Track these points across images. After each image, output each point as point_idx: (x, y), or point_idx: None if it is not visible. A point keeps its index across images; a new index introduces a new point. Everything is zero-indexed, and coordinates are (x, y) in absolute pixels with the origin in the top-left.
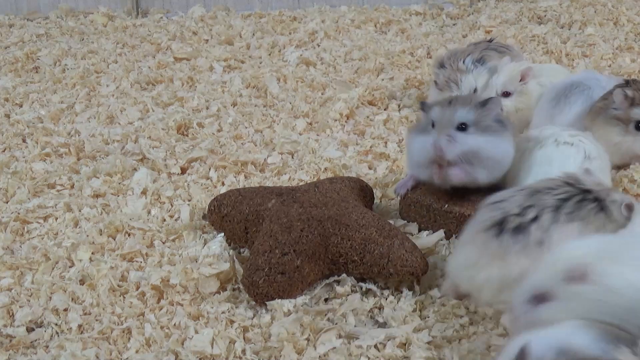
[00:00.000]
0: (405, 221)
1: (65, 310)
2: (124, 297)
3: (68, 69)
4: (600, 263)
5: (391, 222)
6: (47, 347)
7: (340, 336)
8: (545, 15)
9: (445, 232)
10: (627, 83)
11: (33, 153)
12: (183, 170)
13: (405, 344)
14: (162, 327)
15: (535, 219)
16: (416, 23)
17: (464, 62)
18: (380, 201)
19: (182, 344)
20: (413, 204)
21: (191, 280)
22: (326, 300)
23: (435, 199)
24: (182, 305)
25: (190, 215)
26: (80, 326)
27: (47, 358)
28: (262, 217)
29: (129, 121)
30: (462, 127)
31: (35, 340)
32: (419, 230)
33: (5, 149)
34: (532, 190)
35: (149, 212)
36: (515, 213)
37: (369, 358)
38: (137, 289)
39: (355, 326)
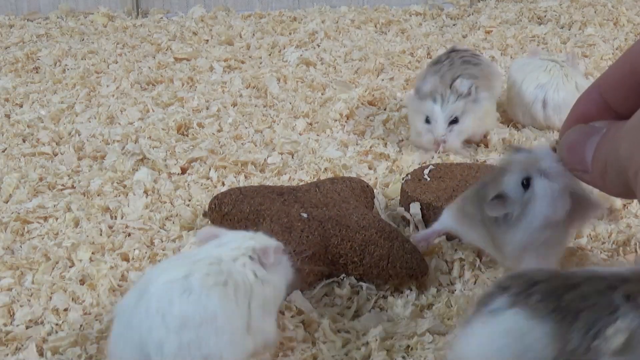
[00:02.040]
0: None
1: (66, 310)
2: None
3: (68, 69)
4: None
5: (391, 223)
6: None
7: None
8: (545, 16)
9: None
10: None
11: None
12: (183, 170)
13: (404, 346)
14: None
15: None
16: (416, 23)
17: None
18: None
19: None
20: (412, 202)
21: None
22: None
23: (434, 198)
24: None
25: (190, 215)
26: (80, 326)
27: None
28: (263, 217)
29: (129, 121)
30: None
31: None
32: (419, 230)
33: (5, 149)
34: None
35: (149, 212)
36: None
37: (369, 357)
38: None
39: (354, 326)
